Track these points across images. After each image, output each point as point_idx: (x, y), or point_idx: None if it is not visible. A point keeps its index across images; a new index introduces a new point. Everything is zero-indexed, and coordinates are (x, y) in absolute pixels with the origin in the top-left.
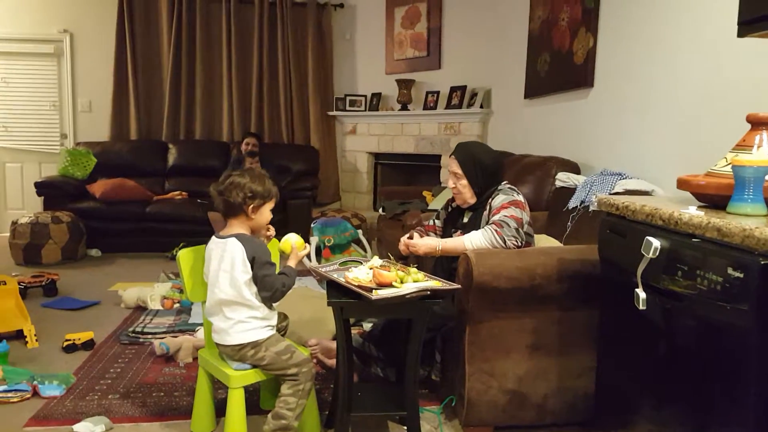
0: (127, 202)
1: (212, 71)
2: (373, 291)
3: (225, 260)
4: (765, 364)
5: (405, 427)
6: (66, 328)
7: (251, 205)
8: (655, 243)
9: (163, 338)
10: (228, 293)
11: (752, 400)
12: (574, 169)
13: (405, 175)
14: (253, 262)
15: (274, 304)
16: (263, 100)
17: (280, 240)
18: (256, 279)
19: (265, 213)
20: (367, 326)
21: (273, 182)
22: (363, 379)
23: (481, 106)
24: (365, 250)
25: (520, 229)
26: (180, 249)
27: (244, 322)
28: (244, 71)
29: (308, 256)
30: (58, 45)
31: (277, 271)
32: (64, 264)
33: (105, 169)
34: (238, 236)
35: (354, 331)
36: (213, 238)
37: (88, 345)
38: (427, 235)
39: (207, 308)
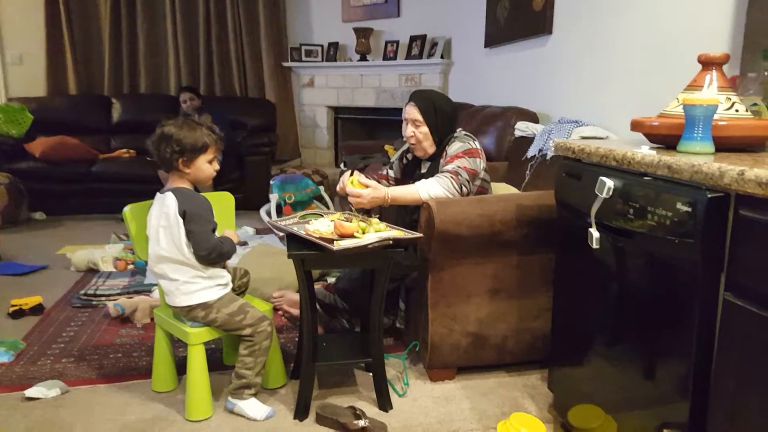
0: (71, 162)
1: (155, 19)
2: (335, 242)
3: (162, 216)
4: (709, 294)
5: (371, 374)
6: (11, 294)
7: (180, 160)
8: (609, 183)
9: (117, 300)
10: (168, 250)
11: (695, 330)
12: (533, 118)
13: (366, 130)
14: (184, 216)
15: (228, 262)
16: (212, 50)
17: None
18: (188, 235)
19: (201, 166)
20: (332, 280)
21: (220, 133)
22: (329, 331)
23: (442, 57)
24: (328, 207)
25: (470, 182)
26: None
27: (190, 282)
28: (189, 19)
29: (268, 212)
30: None
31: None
32: (6, 228)
33: (44, 127)
34: (175, 190)
35: (318, 285)
36: (157, 194)
37: (37, 310)
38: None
39: (150, 266)
